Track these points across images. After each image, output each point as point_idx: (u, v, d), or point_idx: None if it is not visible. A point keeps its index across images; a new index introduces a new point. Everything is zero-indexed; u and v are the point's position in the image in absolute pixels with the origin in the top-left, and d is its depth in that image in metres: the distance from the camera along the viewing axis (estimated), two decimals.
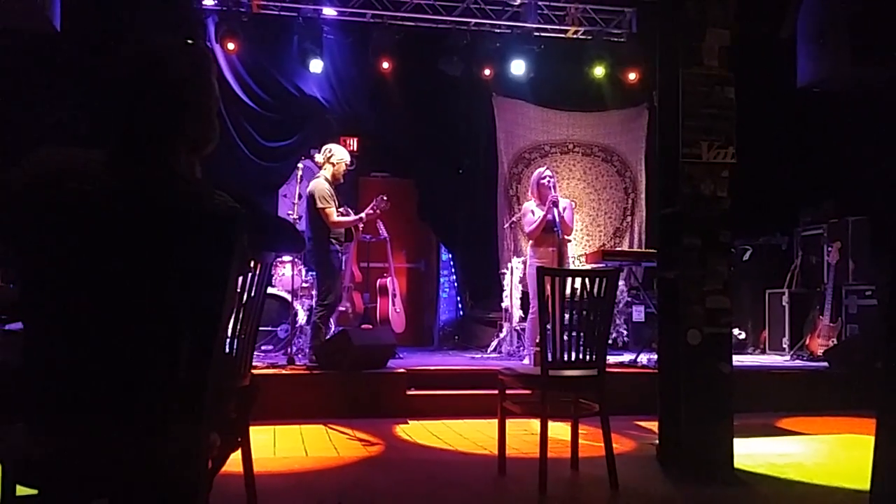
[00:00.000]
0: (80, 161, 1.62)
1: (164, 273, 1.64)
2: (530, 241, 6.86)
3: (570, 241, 7.11)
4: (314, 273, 6.59)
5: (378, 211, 6.38)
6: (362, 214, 6.32)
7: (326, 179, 6.29)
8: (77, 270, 1.60)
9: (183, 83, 1.71)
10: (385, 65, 8.33)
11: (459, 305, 9.46)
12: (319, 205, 6.13)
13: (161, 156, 1.69)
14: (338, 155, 6.37)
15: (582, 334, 3.71)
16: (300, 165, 7.56)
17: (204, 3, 8.03)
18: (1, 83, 6.62)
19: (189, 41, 1.73)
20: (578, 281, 3.73)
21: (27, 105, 6.69)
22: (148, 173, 1.68)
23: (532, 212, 6.67)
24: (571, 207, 6.84)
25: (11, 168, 1.60)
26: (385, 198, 6.44)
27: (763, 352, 8.21)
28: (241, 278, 2.67)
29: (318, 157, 6.52)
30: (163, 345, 1.65)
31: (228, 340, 2.70)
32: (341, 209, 6.34)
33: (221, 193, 1.77)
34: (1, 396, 2.08)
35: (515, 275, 7.74)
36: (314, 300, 6.46)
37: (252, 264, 2.78)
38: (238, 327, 2.80)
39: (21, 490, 1.77)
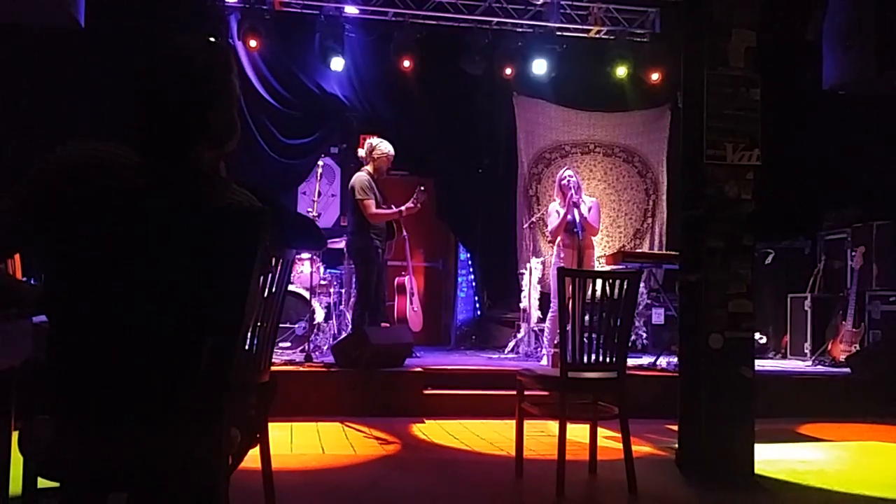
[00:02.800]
0: (107, 156, 1.63)
1: (189, 269, 1.64)
2: (554, 242, 6.84)
3: (592, 241, 7.08)
4: (352, 266, 6.76)
5: (418, 204, 6.44)
6: (402, 208, 6.42)
7: (369, 173, 6.46)
8: (101, 265, 1.60)
9: (210, 81, 1.71)
10: (406, 63, 8.32)
11: (477, 305, 9.43)
12: (358, 196, 6.30)
13: (186, 153, 1.70)
14: (379, 148, 6.52)
15: (602, 336, 3.68)
16: (320, 163, 7.62)
17: (227, 0, 8.07)
18: (26, 79, 6.68)
19: (211, 38, 1.73)
20: (599, 282, 3.70)
21: (52, 101, 6.75)
22: (173, 170, 1.68)
23: (556, 212, 6.67)
24: (597, 207, 6.78)
25: (39, 160, 1.61)
26: (423, 188, 6.53)
27: (784, 357, 8.12)
28: (262, 275, 2.67)
29: (361, 153, 6.67)
30: (186, 340, 1.65)
31: (249, 336, 2.70)
32: (383, 206, 6.45)
33: (244, 191, 1.77)
34: (25, 391, 2.10)
35: (534, 275, 7.71)
36: (353, 295, 6.57)
37: (273, 261, 2.78)
38: (259, 323, 2.80)
39: (42, 483, 1.78)
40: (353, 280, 6.58)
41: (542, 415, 4.12)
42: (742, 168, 4.09)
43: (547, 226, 6.91)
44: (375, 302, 6.56)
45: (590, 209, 6.56)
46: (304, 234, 6.11)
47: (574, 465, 3.84)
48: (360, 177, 6.43)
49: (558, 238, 6.69)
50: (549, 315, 6.88)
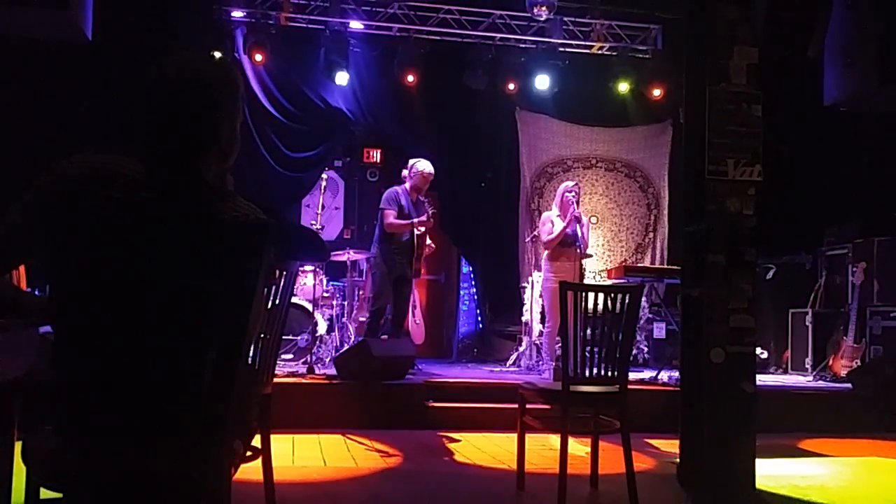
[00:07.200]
0: (113, 168, 1.63)
1: (193, 281, 1.65)
2: (546, 253, 6.86)
3: (591, 255, 7.10)
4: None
5: (430, 218, 6.60)
6: (414, 220, 6.55)
7: (404, 189, 6.71)
8: (106, 277, 1.61)
9: (219, 96, 1.74)
10: (410, 78, 8.38)
11: (479, 318, 9.44)
12: (381, 206, 6.60)
13: (194, 166, 1.71)
14: (415, 167, 6.75)
15: (604, 350, 3.69)
16: (324, 176, 7.68)
17: (233, 14, 8.13)
18: (33, 91, 6.73)
19: (215, 54, 1.76)
20: (601, 296, 3.71)
21: (58, 113, 6.80)
22: (181, 183, 1.69)
23: (552, 222, 6.70)
24: (588, 224, 6.87)
25: (46, 171, 1.62)
26: (426, 200, 6.69)
27: (785, 372, 8.11)
28: (266, 287, 2.69)
29: (404, 172, 6.90)
30: (190, 352, 1.66)
31: (252, 348, 2.71)
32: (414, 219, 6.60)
33: (249, 203, 1.78)
34: (29, 401, 2.11)
35: (536, 289, 7.72)
36: (367, 305, 6.64)
37: (277, 274, 2.80)
38: (262, 335, 2.82)
39: (44, 493, 1.79)
40: (371, 291, 6.71)
41: (544, 428, 4.12)
42: (744, 184, 4.11)
43: (540, 234, 6.91)
44: (395, 315, 6.63)
45: (583, 225, 6.65)
46: (307, 246, 6.15)
47: (575, 479, 3.84)
48: (391, 189, 6.70)
49: (550, 251, 6.72)
50: (546, 330, 6.91)
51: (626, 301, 3.65)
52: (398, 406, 5.76)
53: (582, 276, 6.54)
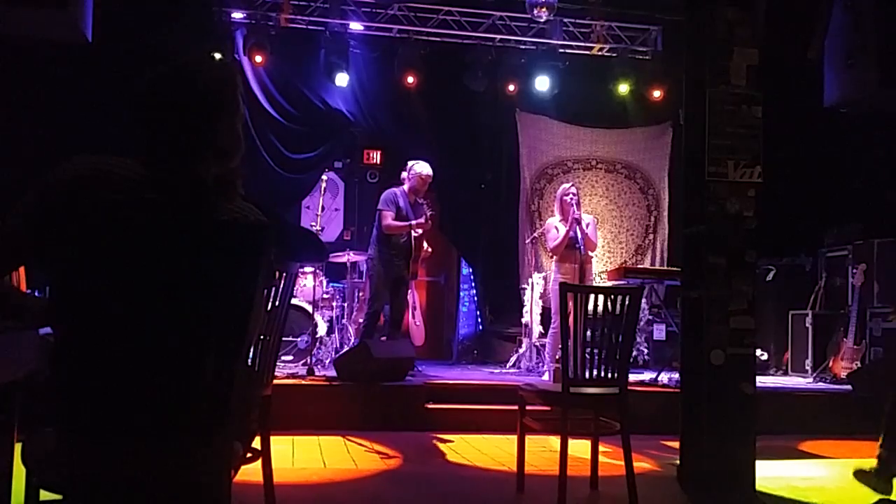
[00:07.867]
0: (113, 170, 1.63)
1: (193, 283, 1.65)
2: (554, 258, 6.87)
3: (592, 257, 7.10)
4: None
5: (428, 220, 6.59)
6: (412, 222, 6.55)
7: (402, 190, 6.69)
8: (106, 278, 1.61)
9: (217, 96, 1.73)
10: (410, 79, 8.38)
11: (479, 320, 9.44)
12: (378, 206, 6.59)
13: (193, 167, 1.71)
14: (413, 169, 6.73)
15: (603, 351, 3.68)
16: (324, 177, 7.68)
17: (233, 15, 8.15)
18: (33, 92, 6.73)
19: (215, 55, 1.75)
20: (601, 298, 3.70)
21: (58, 115, 6.80)
22: (180, 184, 1.69)
23: (556, 228, 6.69)
24: (594, 223, 6.86)
25: (46, 174, 1.62)
26: (424, 202, 6.69)
27: (785, 373, 8.11)
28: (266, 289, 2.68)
29: (404, 174, 6.88)
30: (190, 354, 1.66)
31: (252, 350, 2.71)
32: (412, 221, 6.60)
33: (249, 205, 1.78)
34: (30, 402, 2.11)
35: (536, 290, 7.72)
36: (366, 307, 6.67)
37: (277, 275, 2.80)
38: (262, 337, 2.81)
39: (44, 495, 1.79)
40: (367, 293, 6.73)
41: (544, 430, 4.12)
42: (744, 185, 4.11)
43: (546, 241, 6.93)
44: (393, 316, 6.64)
45: (587, 225, 6.62)
46: (305, 245, 6.17)
47: (575, 480, 3.83)
48: (389, 190, 6.69)
49: (558, 254, 6.72)
50: (551, 331, 6.90)
51: (626, 303, 3.65)
52: (398, 408, 5.76)
53: (584, 277, 6.53)
